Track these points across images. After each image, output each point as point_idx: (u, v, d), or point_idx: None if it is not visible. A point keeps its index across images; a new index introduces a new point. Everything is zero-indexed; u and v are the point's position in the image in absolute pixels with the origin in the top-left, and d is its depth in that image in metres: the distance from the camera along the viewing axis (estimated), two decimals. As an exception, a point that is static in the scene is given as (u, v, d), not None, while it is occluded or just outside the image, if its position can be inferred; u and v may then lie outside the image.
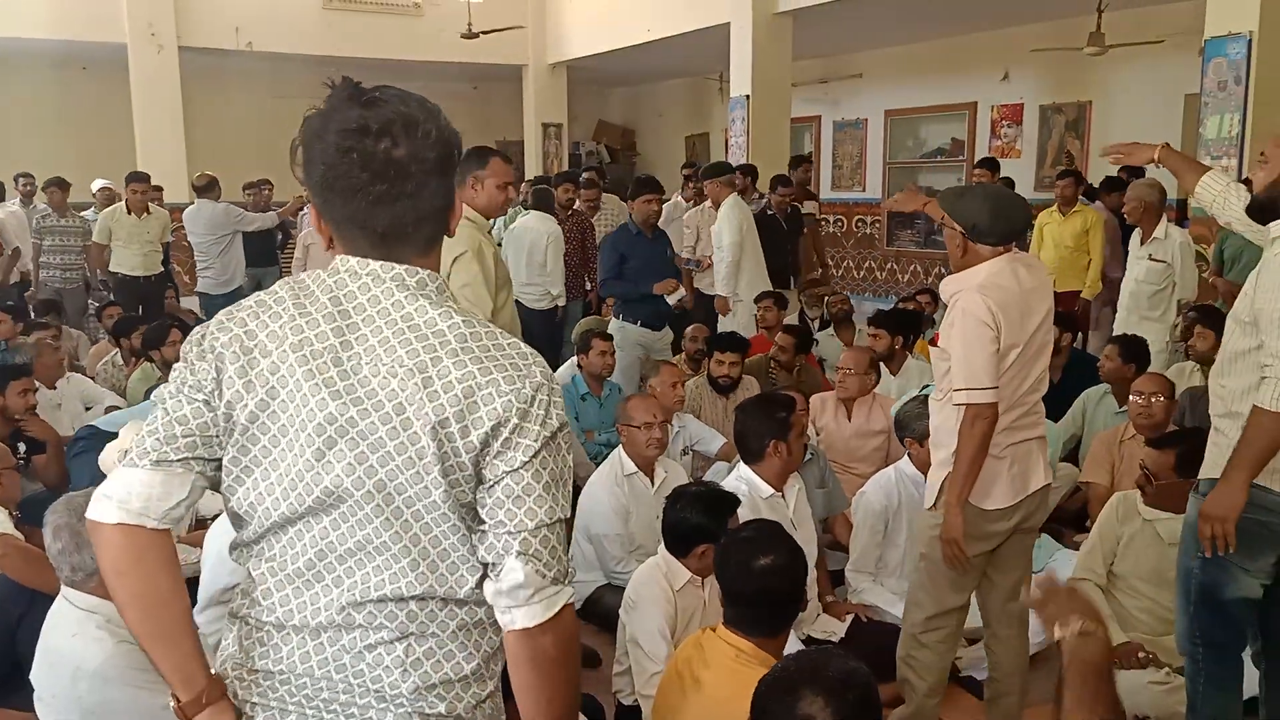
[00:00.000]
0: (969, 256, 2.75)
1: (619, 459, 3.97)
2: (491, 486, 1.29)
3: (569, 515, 1.34)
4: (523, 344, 1.34)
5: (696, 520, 2.96)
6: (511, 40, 11.86)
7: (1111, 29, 8.39)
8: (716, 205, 6.80)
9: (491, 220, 3.84)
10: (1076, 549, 4.02)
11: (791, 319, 6.87)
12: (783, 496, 3.61)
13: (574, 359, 5.63)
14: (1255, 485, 2.38)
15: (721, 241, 6.59)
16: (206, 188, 8.57)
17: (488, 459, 1.28)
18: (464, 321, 1.32)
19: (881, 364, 5.16)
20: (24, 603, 3.11)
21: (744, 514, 3.37)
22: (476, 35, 11.00)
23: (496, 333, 1.33)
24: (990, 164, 7.32)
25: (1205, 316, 5.02)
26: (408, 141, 1.29)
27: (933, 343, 4.67)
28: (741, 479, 3.57)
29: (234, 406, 1.33)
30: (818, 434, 4.72)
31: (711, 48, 10.56)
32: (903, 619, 3.01)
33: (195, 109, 12.06)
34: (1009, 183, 7.72)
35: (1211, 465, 2.50)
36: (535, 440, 1.28)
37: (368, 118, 1.29)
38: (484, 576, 1.33)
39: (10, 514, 3.41)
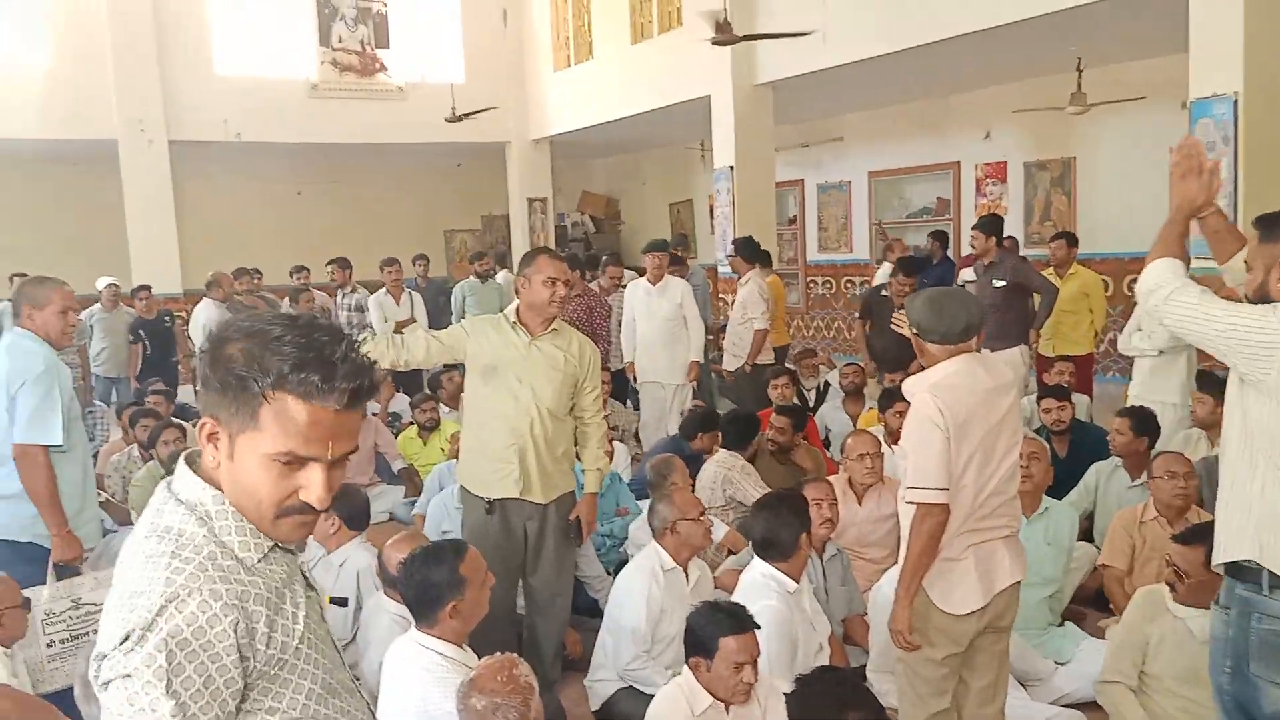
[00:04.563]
0: (926, 356, 2.85)
1: (657, 554, 3.85)
2: None
3: None
4: (154, 578, 1.27)
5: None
6: (494, 118, 12.00)
7: (1092, 87, 8.50)
8: (658, 280, 7.09)
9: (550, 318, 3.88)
10: (1102, 636, 3.95)
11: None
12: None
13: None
14: (1273, 597, 2.33)
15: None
16: (210, 285, 8.61)
17: None
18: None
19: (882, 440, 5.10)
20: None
21: (775, 611, 3.34)
22: (460, 118, 11.10)
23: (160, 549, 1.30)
24: (992, 224, 7.01)
25: (1201, 382, 5.00)
26: (213, 348, 1.35)
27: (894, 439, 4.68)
28: (768, 576, 3.52)
29: None
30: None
31: (693, 118, 10.69)
32: None
33: (185, 199, 12.13)
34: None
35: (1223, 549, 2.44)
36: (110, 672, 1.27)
37: (238, 325, 1.37)
38: None
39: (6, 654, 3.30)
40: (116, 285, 9.56)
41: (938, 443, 2.69)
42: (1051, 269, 7.27)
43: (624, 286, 7.78)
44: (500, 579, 3.73)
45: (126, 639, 1.23)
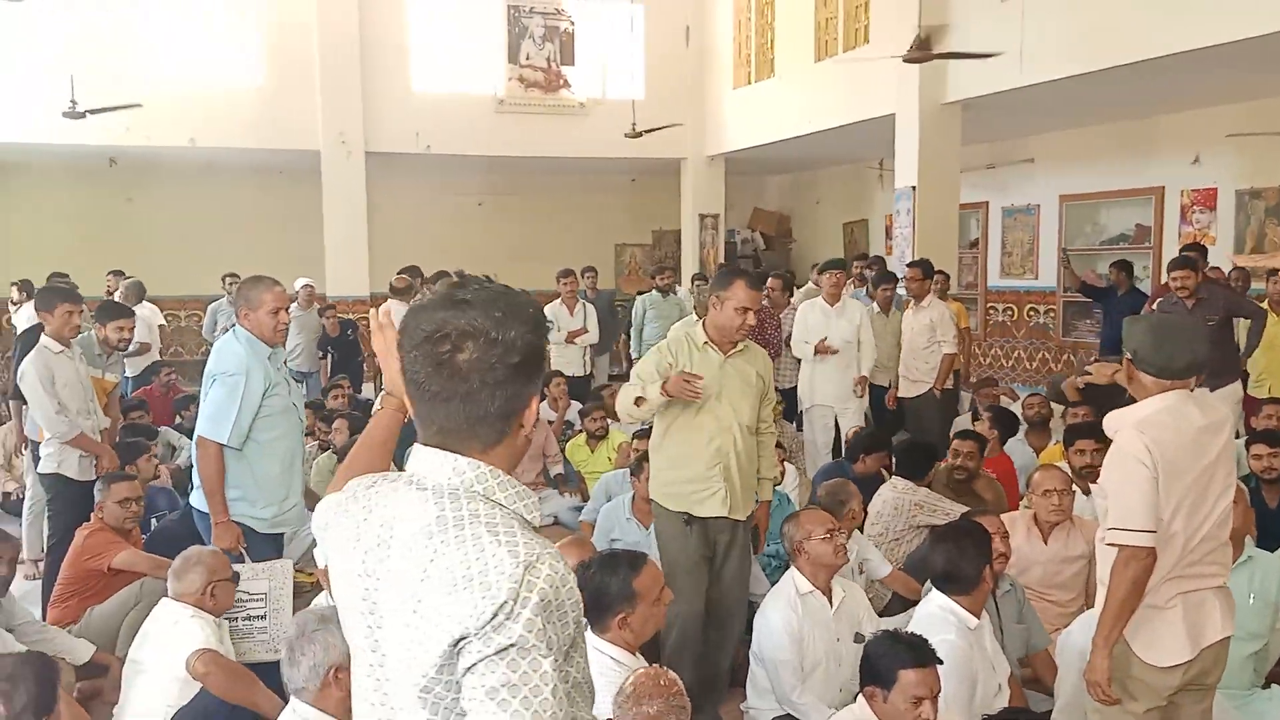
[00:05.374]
0: (1135, 385, 2.73)
1: (793, 578, 3.81)
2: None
3: None
4: (495, 552, 1.28)
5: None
6: (671, 135, 12.14)
7: (1316, 110, 7.86)
8: (834, 300, 7.02)
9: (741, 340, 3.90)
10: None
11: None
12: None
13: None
14: None
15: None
16: (404, 290, 9.01)
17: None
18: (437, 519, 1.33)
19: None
20: (223, 717, 3.21)
21: (953, 646, 3.21)
22: (640, 134, 11.27)
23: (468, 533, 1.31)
24: (1199, 256, 6.69)
25: None
26: (473, 348, 1.34)
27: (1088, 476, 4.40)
28: (947, 610, 3.40)
29: None
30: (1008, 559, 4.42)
31: (873, 136, 10.49)
32: None
33: (375, 207, 12.82)
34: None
35: None
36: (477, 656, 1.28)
37: (443, 322, 1.35)
38: None
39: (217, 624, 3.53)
40: (312, 286, 10.21)
41: (1144, 482, 2.55)
42: (1266, 304, 6.74)
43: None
44: (699, 591, 3.77)
45: (496, 615, 1.25)
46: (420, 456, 1.40)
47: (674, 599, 3.68)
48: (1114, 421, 2.72)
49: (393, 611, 1.34)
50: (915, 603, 4.00)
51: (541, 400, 7.05)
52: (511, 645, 1.25)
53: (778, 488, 5.39)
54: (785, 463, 6.04)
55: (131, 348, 8.81)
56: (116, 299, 8.62)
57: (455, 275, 1.44)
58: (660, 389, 3.69)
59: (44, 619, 4.33)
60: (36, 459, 5.14)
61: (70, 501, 4.95)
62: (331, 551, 1.47)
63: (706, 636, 3.98)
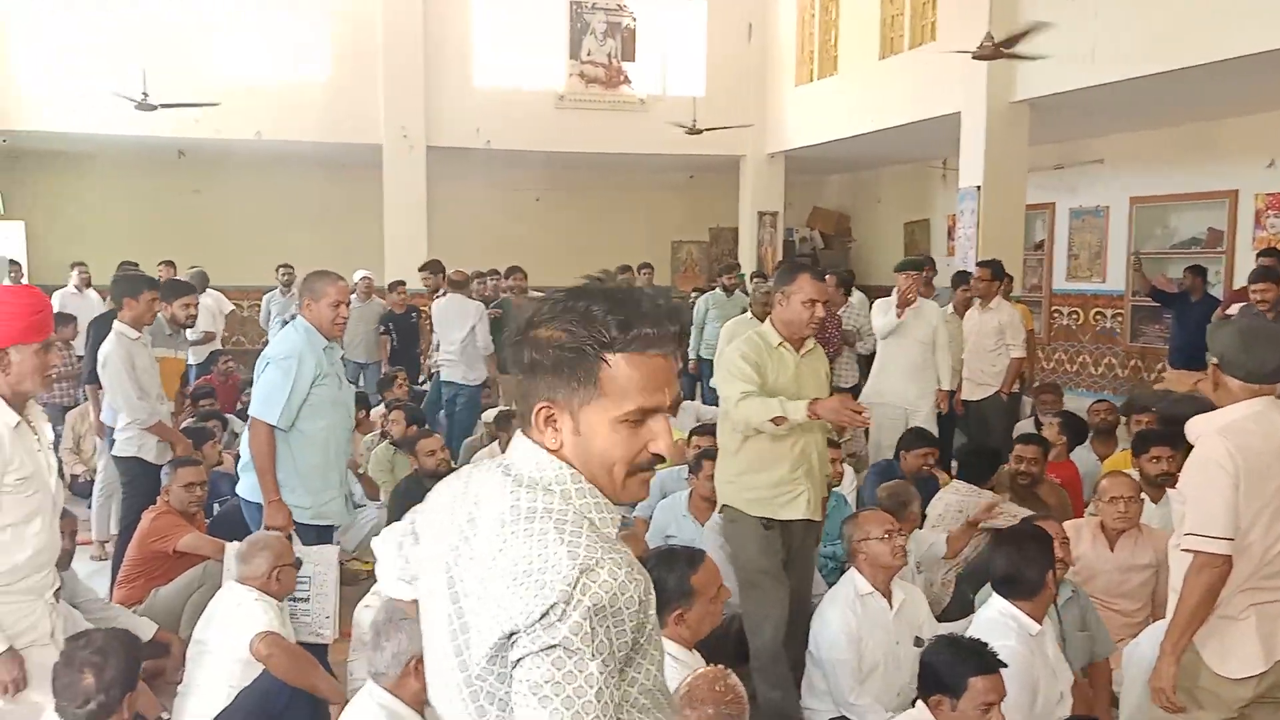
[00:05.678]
0: (1220, 391, 2.68)
1: (853, 579, 3.77)
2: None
3: None
4: (556, 550, 1.28)
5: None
6: (731, 132, 12.09)
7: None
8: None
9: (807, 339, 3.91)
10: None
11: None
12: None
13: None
14: None
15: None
16: (462, 284, 9.04)
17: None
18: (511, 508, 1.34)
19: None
20: (284, 699, 3.26)
21: (1014, 652, 3.14)
22: (700, 131, 11.24)
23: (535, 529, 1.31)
24: (1270, 267, 6.46)
25: None
26: (523, 335, 1.37)
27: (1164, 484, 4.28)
28: (1008, 615, 3.33)
29: None
30: (1072, 566, 4.32)
31: (936, 135, 10.33)
32: None
33: (435, 202, 12.95)
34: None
35: None
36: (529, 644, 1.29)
37: (543, 309, 1.38)
38: None
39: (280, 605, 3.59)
40: (370, 278, 10.31)
41: (1225, 488, 2.51)
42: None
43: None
44: (786, 591, 3.79)
45: (547, 614, 1.25)
46: (516, 443, 1.42)
47: (762, 603, 3.73)
48: (1197, 427, 2.67)
49: (468, 593, 1.36)
50: (974, 608, 3.93)
51: None
52: (556, 645, 1.25)
53: (836, 489, 5.35)
54: (843, 464, 5.98)
55: (196, 335, 9.03)
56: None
57: (601, 274, 1.43)
58: (808, 412, 3.57)
59: (111, 599, 4.44)
60: (111, 442, 5.25)
61: (147, 484, 5.03)
62: (424, 529, 1.50)
63: None
